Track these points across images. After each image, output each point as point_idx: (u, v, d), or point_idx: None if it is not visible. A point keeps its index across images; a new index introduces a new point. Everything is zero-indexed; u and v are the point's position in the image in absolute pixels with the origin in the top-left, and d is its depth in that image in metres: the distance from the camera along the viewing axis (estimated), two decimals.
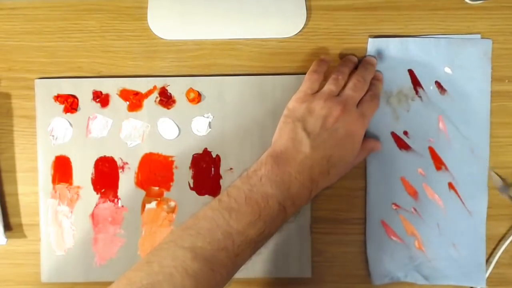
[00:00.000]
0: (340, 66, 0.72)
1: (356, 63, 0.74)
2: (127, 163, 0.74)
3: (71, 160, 0.74)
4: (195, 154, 0.74)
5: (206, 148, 0.74)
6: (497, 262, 0.74)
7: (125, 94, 0.74)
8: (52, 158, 0.74)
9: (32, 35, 0.76)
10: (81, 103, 0.74)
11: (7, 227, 0.75)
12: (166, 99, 0.74)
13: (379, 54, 0.74)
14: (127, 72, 0.75)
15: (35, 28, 0.76)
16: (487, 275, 0.74)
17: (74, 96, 0.74)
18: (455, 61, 0.74)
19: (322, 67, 0.72)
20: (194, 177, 0.75)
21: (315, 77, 0.70)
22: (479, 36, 0.74)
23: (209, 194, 0.74)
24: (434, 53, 0.74)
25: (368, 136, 0.74)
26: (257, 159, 0.65)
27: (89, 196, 0.74)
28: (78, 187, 0.74)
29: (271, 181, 0.63)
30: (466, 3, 0.74)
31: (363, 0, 0.75)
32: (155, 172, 0.74)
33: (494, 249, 0.75)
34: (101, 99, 0.74)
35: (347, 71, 0.71)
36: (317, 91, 0.69)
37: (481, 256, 0.74)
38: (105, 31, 0.76)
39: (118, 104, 0.74)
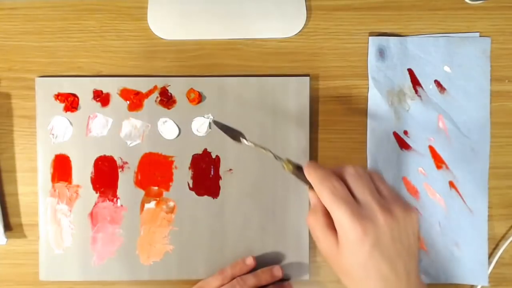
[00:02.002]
0: (251, 274, 0.72)
1: (277, 278, 0.73)
2: (126, 162, 0.74)
3: (71, 159, 0.74)
4: (194, 154, 0.74)
5: (206, 149, 0.74)
6: (497, 262, 0.74)
7: (125, 93, 0.74)
8: (52, 157, 0.74)
9: (32, 35, 0.76)
10: (81, 102, 0.74)
11: (7, 227, 0.75)
12: (166, 99, 0.74)
13: (380, 53, 0.74)
14: (127, 72, 0.75)
15: (35, 28, 0.76)
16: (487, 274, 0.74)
17: (74, 95, 0.74)
18: (454, 59, 0.74)
19: (233, 272, 0.72)
20: (193, 177, 0.74)
21: (217, 276, 0.72)
22: (477, 34, 0.75)
23: (208, 195, 0.74)
24: (433, 52, 0.74)
25: (371, 136, 0.74)
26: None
27: (88, 195, 0.74)
28: (78, 186, 0.74)
29: None
30: (466, 3, 0.75)
31: (363, 0, 0.75)
32: (154, 172, 0.74)
33: (495, 249, 0.75)
34: (102, 98, 0.74)
35: (252, 282, 0.71)
36: None
37: (483, 254, 0.74)
38: (105, 31, 0.76)
39: (118, 103, 0.74)
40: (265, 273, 0.72)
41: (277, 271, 0.72)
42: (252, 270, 0.73)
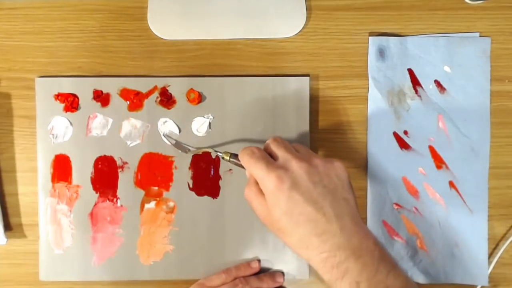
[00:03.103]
0: (254, 277, 0.73)
1: (278, 284, 0.74)
2: (126, 162, 0.74)
3: (71, 159, 0.74)
4: (195, 154, 0.74)
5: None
6: (497, 262, 0.74)
7: (125, 93, 0.74)
8: (52, 157, 0.74)
9: (32, 35, 0.76)
10: (81, 102, 0.74)
11: (7, 227, 0.75)
12: (166, 99, 0.74)
13: (380, 53, 0.74)
14: (127, 72, 0.75)
15: (35, 28, 0.76)
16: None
17: (74, 95, 0.74)
18: (454, 59, 0.74)
19: (237, 273, 0.73)
20: (193, 177, 0.74)
21: (221, 275, 0.73)
22: (477, 34, 0.75)
23: (208, 195, 0.74)
24: (433, 52, 0.74)
25: (371, 136, 0.74)
26: None
27: (88, 195, 0.74)
28: (78, 186, 0.74)
29: None
30: (466, 3, 0.75)
31: (363, 0, 0.75)
32: (154, 172, 0.74)
33: (494, 249, 0.75)
34: (102, 98, 0.74)
35: (255, 285, 0.72)
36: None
37: (483, 254, 0.74)
38: (105, 31, 0.76)
39: (118, 103, 0.74)
40: (267, 278, 0.73)
41: (279, 278, 0.73)
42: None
